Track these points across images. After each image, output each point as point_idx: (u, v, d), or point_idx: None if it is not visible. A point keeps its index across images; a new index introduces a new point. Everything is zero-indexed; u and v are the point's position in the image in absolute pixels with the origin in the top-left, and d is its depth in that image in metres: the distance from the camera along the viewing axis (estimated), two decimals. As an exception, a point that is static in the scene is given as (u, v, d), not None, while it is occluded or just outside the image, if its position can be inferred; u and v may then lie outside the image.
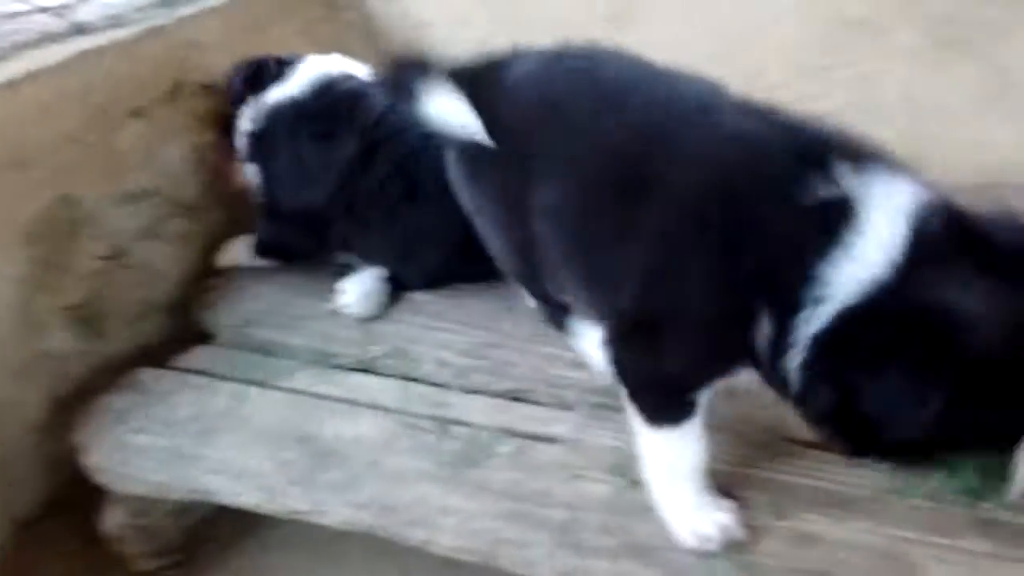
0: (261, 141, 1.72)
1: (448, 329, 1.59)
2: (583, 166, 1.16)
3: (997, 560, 1.09)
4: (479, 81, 1.30)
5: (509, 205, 1.27)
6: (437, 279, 1.67)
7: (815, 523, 1.16)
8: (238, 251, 1.81)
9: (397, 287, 1.68)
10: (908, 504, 1.16)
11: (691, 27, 2.11)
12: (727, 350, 1.02)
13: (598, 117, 1.16)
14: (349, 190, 1.65)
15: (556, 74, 1.28)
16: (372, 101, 1.66)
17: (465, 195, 1.41)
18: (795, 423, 1.27)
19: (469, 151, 1.32)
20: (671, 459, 1.13)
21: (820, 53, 2.05)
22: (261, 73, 1.74)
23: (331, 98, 1.69)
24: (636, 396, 1.11)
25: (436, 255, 1.66)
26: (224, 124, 1.78)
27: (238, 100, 1.75)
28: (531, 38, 2.20)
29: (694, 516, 1.13)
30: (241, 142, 1.75)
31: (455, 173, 1.41)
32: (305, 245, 1.75)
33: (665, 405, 1.11)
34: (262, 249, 1.78)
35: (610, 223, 1.12)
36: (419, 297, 1.67)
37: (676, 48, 2.10)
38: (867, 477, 1.20)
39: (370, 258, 1.70)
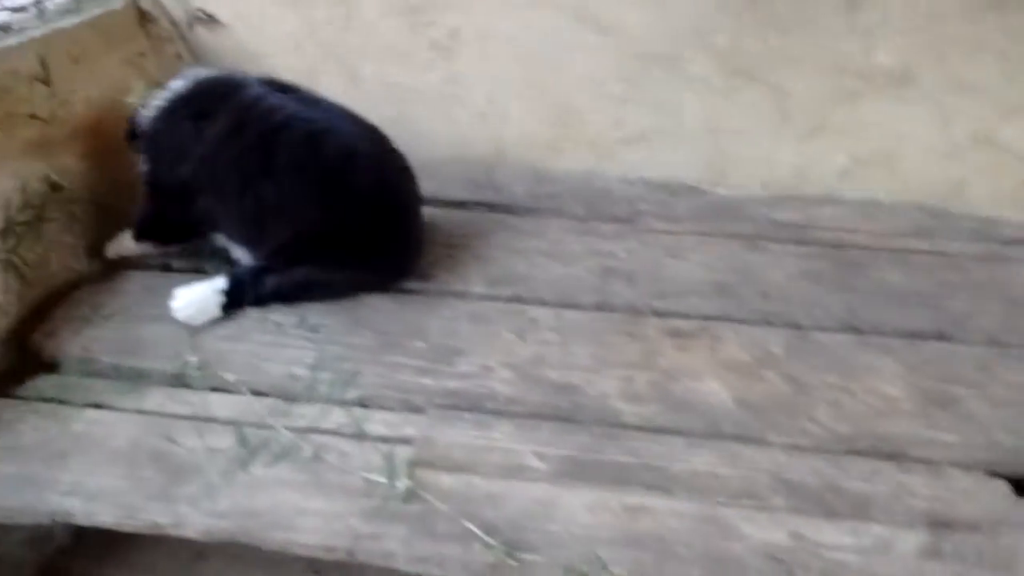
0: (149, 132, 1.85)
1: (295, 345, 1.67)
2: None
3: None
4: None
5: None
6: (284, 258, 1.79)
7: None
8: (123, 242, 1.93)
9: (236, 301, 1.76)
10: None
11: (506, 60, 2.28)
12: None
13: None
14: (213, 162, 1.77)
15: None
16: (248, 88, 1.82)
17: None
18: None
19: None
20: None
21: (625, 84, 2.26)
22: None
23: (209, 85, 1.86)
24: None
25: (283, 231, 1.77)
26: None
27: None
28: (362, 66, 2.33)
29: None
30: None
31: None
32: (178, 223, 1.88)
33: None
34: (139, 233, 1.90)
35: None
36: (268, 316, 1.74)
37: (495, 78, 2.30)
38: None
39: (230, 233, 1.84)
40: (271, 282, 1.78)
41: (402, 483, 1.35)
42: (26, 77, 1.81)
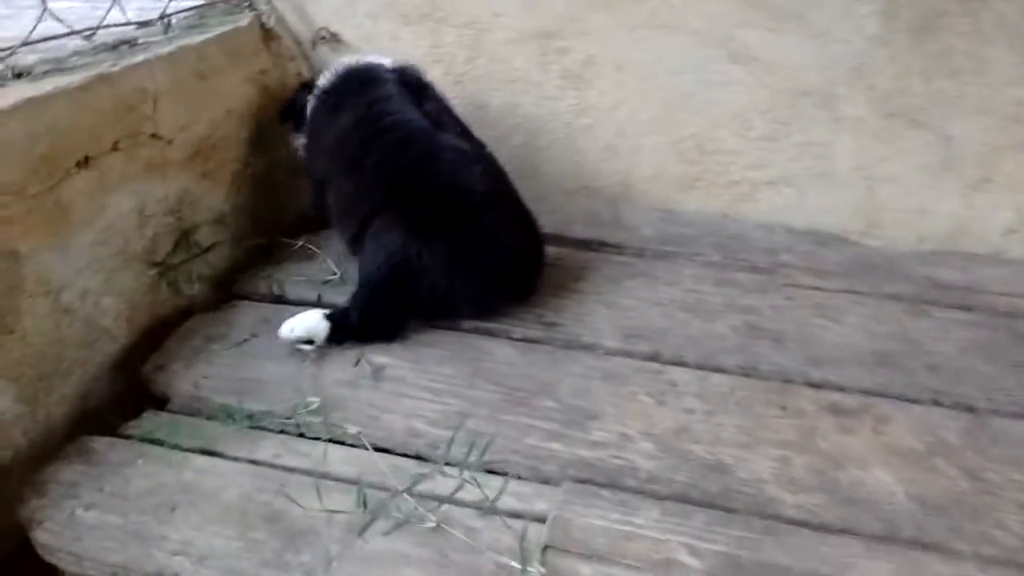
0: (305, 119, 1.95)
1: (416, 396, 1.56)
2: None
3: None
4: None
5: None
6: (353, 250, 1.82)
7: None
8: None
9: (341, 324, 1.70)
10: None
11: (644, 90, 2.14)
12: None
13: None
14: (337, 156, 1.84)
15: None
16: (379, 87, 1.85)
17: None
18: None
19: None
20: None
21: (771, 122, 2.09)
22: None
23: (348, 80, 1.90)
24: None
25: (353, 225, 1.79)
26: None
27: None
28: (488, 93, 2.22)
29: None
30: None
31: None
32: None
33: None
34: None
35: None
36: (383, 360, 1.64)
37: (629, 110, 2.16)
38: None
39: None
40: (363, 278, 1.74)
41: (535, 570, 1.21)
42: (151, 95, 1.74)
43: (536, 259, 1.87)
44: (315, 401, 1.53)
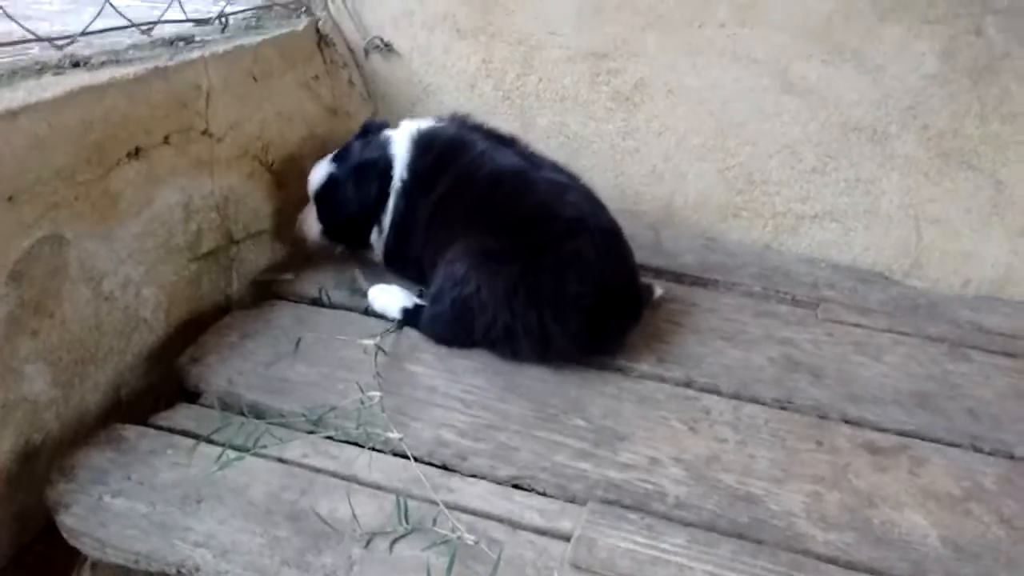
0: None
1: (446, 406, 1.55)
2: None
3: None
4: None
5: None
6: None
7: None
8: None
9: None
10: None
11: (694, 116, 2.13)
12: None
13: None
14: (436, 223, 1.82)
15: None
16: (470, 149, 1.80)
17: None
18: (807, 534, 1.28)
19: None
20: None
21: (820, 155, 2.08)
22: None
23: (437, 155, 1.82)
24: None
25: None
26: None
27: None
28: (536, 110, 2.22)
29: None
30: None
31: None
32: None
33: None
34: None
35: None
36: (416, 369, 1.63)
37: (677, 135, 2.15)
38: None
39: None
40: (429, 304, 1.75)
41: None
42: (204, 92, 1.76)
43: (626, 309, 1.72)
44: (376, 395, 1.54)
